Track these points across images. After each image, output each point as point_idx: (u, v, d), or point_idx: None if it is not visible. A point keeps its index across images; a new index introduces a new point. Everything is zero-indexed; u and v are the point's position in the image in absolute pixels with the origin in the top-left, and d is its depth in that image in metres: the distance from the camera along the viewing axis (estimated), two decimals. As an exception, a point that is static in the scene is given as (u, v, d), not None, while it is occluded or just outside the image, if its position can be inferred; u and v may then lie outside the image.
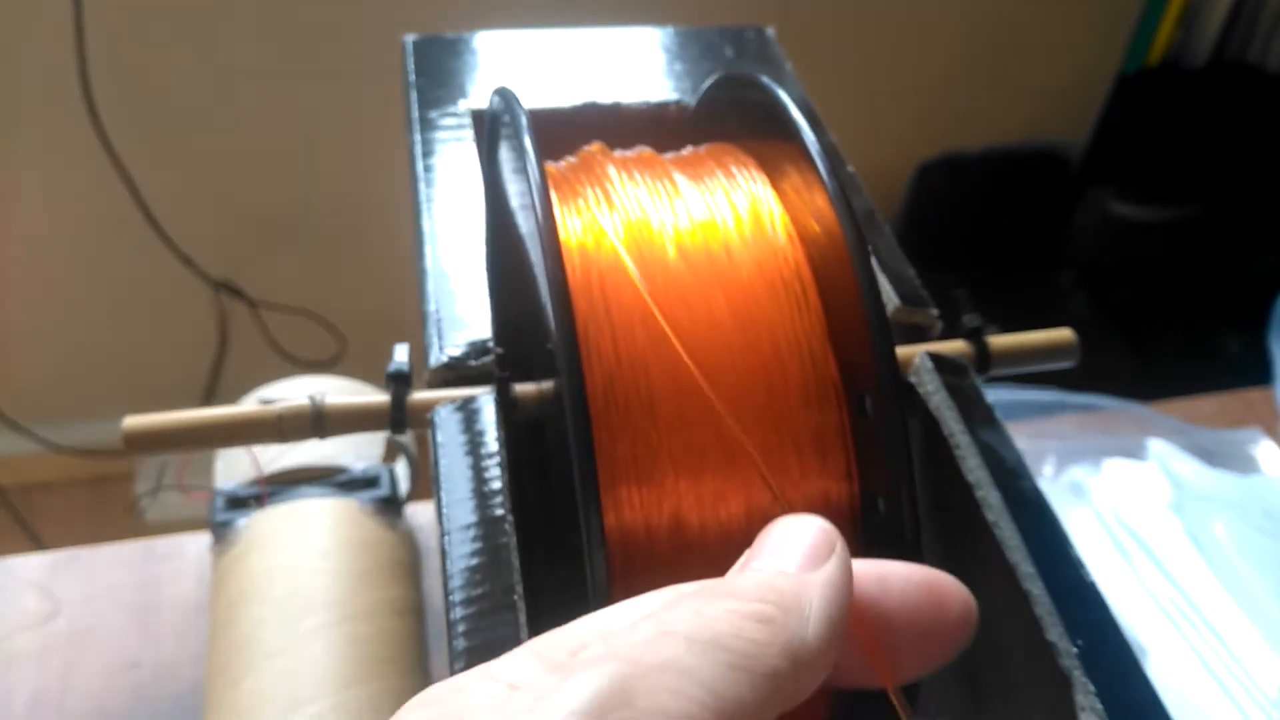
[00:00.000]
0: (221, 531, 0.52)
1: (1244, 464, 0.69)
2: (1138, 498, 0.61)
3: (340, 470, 0.54)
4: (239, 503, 0.53)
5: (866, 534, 0.30)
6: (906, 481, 0.28)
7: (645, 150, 0.33)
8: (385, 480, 0.54)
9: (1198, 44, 1.57)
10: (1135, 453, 0.66)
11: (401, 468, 0.59)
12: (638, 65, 0.47)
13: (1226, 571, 0.57)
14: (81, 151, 1.23)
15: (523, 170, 0.30)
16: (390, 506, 0.54)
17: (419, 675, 0.47)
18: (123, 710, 0.55)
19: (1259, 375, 0.79)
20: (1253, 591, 0.56)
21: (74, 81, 1.18)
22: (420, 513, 0.60)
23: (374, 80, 1.10)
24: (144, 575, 0.61)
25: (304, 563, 0.49)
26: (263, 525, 0.51)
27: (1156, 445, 0.66)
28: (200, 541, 0.61)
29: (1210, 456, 0.68)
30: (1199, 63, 1.59)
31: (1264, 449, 0.70)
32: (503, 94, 0.31)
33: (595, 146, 0.33)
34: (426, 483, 0.50)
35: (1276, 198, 1.58)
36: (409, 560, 0.53)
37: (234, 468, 0.55)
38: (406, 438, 0.60)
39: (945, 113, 1.59)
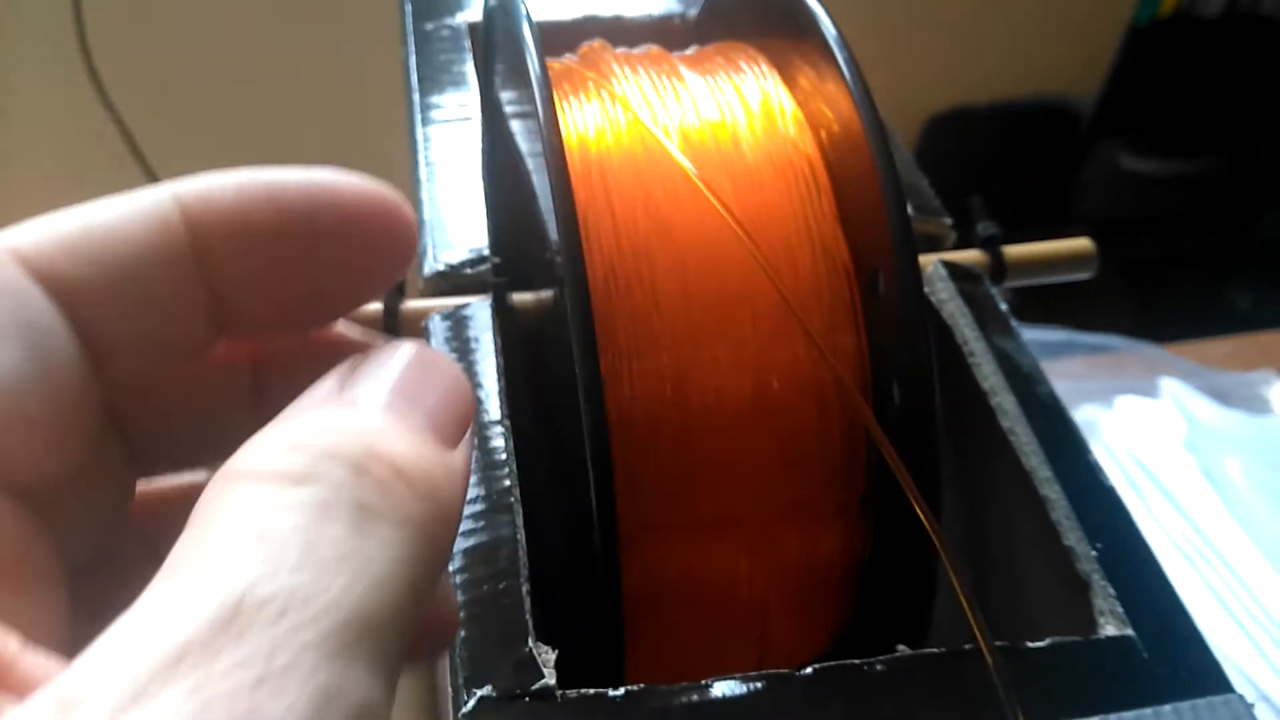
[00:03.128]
0: (217, 464, 0.51)
1: (1257, 405, 0.68)
2: (1151, 435, 0.60)
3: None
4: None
5: (882, 422, 0.29)
6: (925, 356, 0.26)
7: (651, 47, 0.32)
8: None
9: (1211, -5, 1.54)
10: (1148, 392, 0.65)
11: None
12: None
13: (1240, 507, 0.56)
14: (83, 116, 1.21)
15: (520, 66, 0.29)
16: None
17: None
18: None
19: (1273, 326, 0.77)
20: (1266, 527, 0.55)
21: (74, 46, 1.16)
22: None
23: (382, 39, 1.08)
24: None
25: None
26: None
27: (1169, 384, 0.65)
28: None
29: (1223, 397, 0.66)
30: (1212, 14, 1.56)
31: (1277, 391, 0.69)
32: (498, -19, 0.30)
33: (597, 43, 0.31)
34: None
35: (1289, 152, 1.56)
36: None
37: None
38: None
39: (954, 66, 1.57)
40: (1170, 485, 0.58)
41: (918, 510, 0.23)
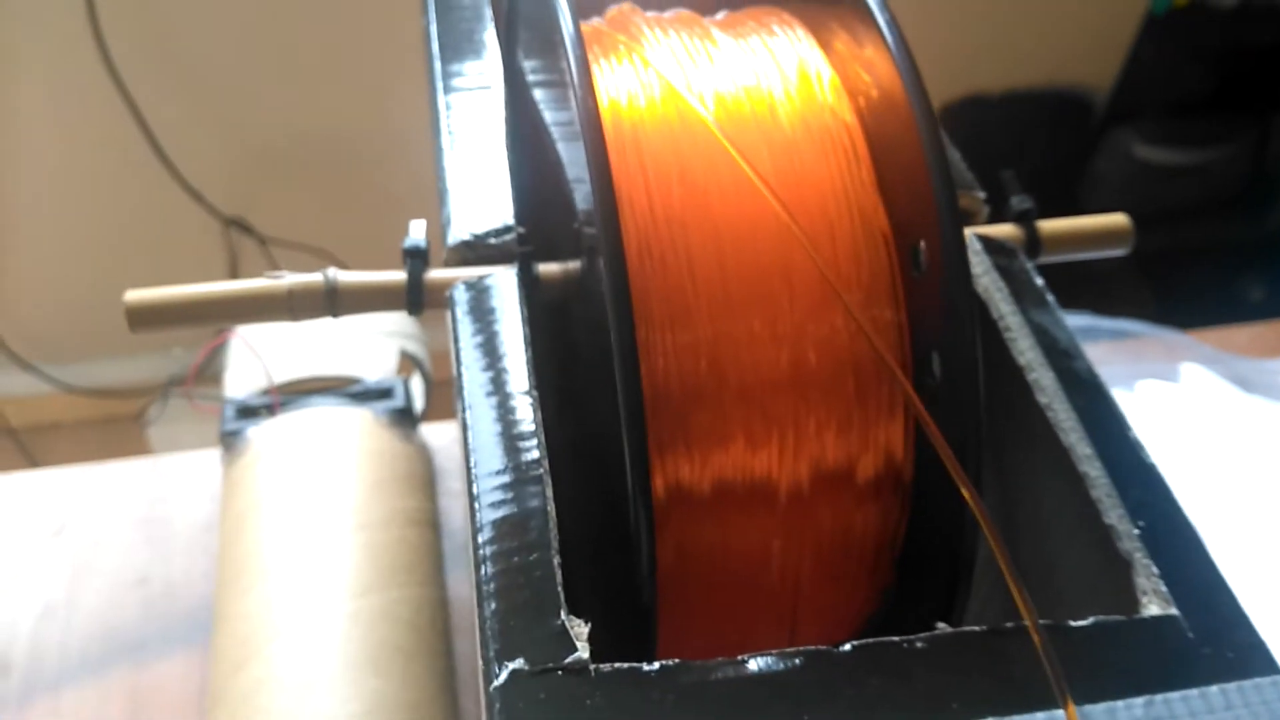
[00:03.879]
0: (231, 441, 0.50)
1: (1278, 392, 0.67)
2: (1172, 420, 0.60)
3: (353, 381, 0.53)
4: (249, 412, 0.51)
5: (921, 396, 0.28)
6: (969, 328, 0.26)
7: (681, 10, 0.31)
8: (399, 392, 0.53)
9: (1228, -17, 1.53)
10: (1169, 378, 0.64)
11: (417, 384, 0.57)
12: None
13: (1264, 495, 0.56)
14: (90, 87, 1.21)
15: (549, 31, 0.28)
16: (405, 418, 0.52)
17: (436, 585, 0.46)
18: (131, 625, 0.54)
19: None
20: (1292, 515, 0.54)
21: (82, 16, 1.15)
22: (437, 433, 0.58)
23: (389, 8, 1.08)
24: (153, 492, 0.60)
25: (316, 471, 0.47)
26: (273, 434, 0.49)
27: (1190, 370, 0.64)
28: (210, 459, 0.60)
29: (1246, 384, 0.66)
30: (1228, 4, 1.55)
31: (1300, 378, 0.68)
32: (528, -60, 0.29)
33: (626, 4, 0.31)
34: (441, 403, 0.48)
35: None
36: (424, 474, 0.52)
37: (244, 379, 0.53)
38: (423, 354, 0.59)
39: (968, 54, 1.56)
40: (1192, 472, 0.57)
41: (961, 488, 0.23)
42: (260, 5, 1.25)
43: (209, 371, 0.61)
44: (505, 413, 0.27)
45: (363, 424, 0.50)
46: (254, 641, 0.42)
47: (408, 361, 0.57)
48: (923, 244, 0.25)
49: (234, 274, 1.45)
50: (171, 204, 1.31)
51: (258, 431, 0.50)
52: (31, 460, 1.44)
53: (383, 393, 0.53)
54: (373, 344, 0.55)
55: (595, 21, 0.31)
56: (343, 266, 1.21)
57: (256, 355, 0.52)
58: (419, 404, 0.56)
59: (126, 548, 0.58)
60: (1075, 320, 0.66)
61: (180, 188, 1.30)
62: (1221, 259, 1.56)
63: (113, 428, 1.54)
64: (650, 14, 0.31)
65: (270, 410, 0.51)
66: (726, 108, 0.27)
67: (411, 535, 0.47)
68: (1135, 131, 1.56)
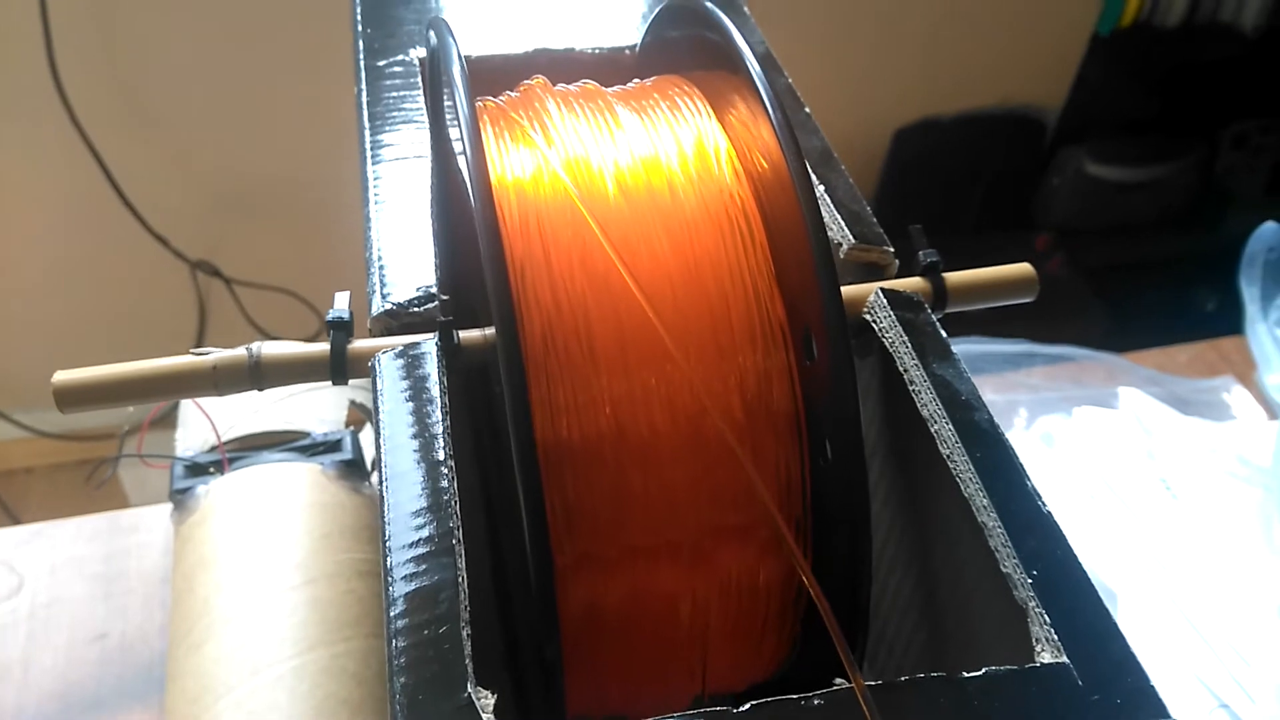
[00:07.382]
0: (181, 499, 0.51)
1: (1217, 411, 0.69)
2: (1110, 445, 0.61)
3: (302, 434, 0.53)
4: (198, 470, 0.52)
5: (815, 482, 0.29)
6: (852, 423, 0.27)
7: (588, 83, 0.32)
8: (348, 444, 0.54)
9: (1171, 3, 1.56)
10: (1107, 402, 0.66)
11: (367, 433, 0.58)
12: (593, 9, 0.46)
13: (1199, 516, 0.57)
14: (52, 133, 1.21)
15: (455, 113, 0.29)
16: (354, 470, 0.53)
17: (383, 636, 0.46)
18: (88, 682, 0.54)
19: (1234, 332, 0.78)
20: (1223, 535, 0.56)
21: (44, 69, 1.15)
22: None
23: (349, 55, 1.08)
24: (109, 548, 0.60)
25: (265, 527, 0.48)
26: (222, 491, 0.50)
27: (1128, 394, 0.65)
28: (166, 512, 0.60)
29: (1183, 405, 0.67)
30: (1173, 23, 1.58)
31: (1236, 395, 0.69)
32: (434, 25, 0.30)
33: (537, 80, 0.32)
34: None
35: (1248, 157, 1.58)
36: (374, 524, 0.52)
37: (193, 435, 0.54)
38: (370, 402, 0.59)
39: (920, 79, 1.58)
40: (1128, 496, 0.58)
41: (833, 636, 0.24)
42: (223, 51, 1.26)
43: (172, 414, 0.61)
44: (422, 484, 0.28)
45: (311, 478, 0.51)
46: (204, 700, 0.43)
47: (357, 411, 0.57)
48: (814, 336, 0.27)
49: (203, 315, 1.46)
50: (138, 249, 1.32)
51: (207, 489, 0.50)
52: (4, 506, 1.44)
53: (331, 445, 0.53)
54: (321, 396, 0.56)
55: (506, 97, 0.32)
56: (309, 304, 1.22)
57: (204, 413, 0.53)
58: (369, 453, 0.56)
59: (84, 603, 0.58)
60: (1014, 346, 0.68)
61: (146, 233, 1.30)
62: (1172, 272, 1.59)
63: (85, 470, 1.53)
64: (559, 87, 0.32)
65: (219, 467, 0.51)
66: (626, 187, 0.28)
67: (359, 587, 0.47)
68: (1086, 149, 1.58)
